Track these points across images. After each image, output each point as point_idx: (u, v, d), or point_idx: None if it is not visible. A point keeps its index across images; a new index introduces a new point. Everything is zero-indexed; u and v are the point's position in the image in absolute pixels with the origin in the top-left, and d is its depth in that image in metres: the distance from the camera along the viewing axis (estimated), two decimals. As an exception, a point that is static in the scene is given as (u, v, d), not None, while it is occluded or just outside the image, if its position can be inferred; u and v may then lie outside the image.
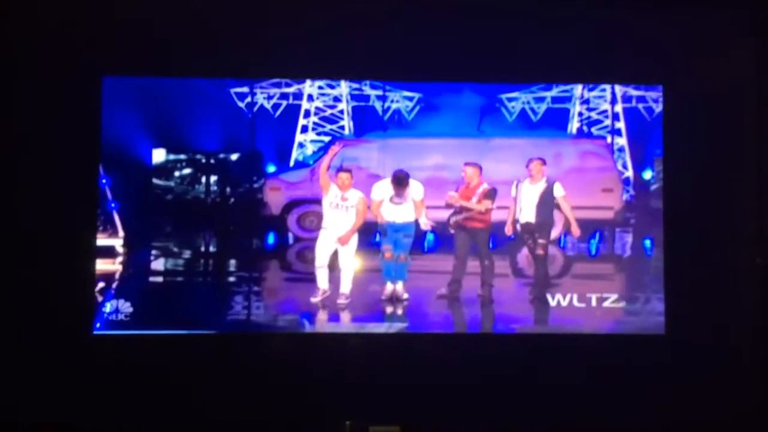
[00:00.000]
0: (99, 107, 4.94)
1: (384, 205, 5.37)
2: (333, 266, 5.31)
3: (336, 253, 5.33)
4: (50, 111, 4.81)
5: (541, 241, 5.31)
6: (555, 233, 5.46)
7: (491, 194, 5.33)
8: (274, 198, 5.49)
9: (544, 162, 5.34)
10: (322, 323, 5.18)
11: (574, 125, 5.60)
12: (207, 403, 4.74)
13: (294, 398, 4.79)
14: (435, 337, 5.12)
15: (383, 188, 5.37)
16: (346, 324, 5.21)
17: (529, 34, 5.01)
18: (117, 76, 5.00)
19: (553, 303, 5.21)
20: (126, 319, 4.96)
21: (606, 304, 5.18)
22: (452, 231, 5.40)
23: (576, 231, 5.31)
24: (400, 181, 5.27)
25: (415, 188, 5.34)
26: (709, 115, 5.03)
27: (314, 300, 5.26)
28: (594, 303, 5.19)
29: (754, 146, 5.02)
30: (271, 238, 5.50)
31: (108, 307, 4.96)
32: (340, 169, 5.30)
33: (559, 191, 5.32)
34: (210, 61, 5.00)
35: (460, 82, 5.31)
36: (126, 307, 4.97)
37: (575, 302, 5.19)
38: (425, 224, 5.37)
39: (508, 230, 5.42)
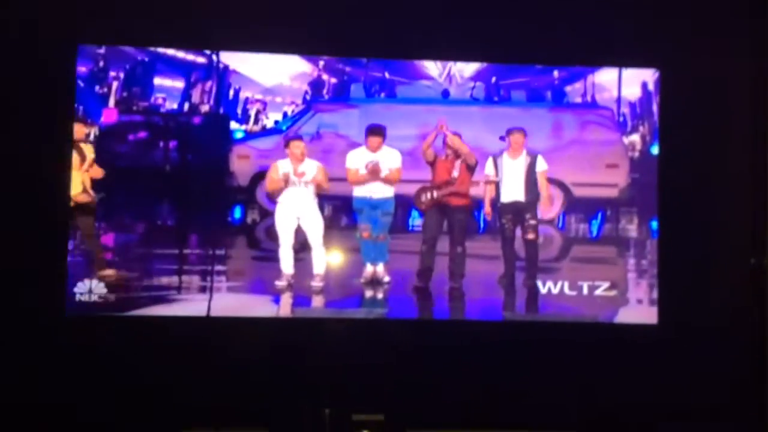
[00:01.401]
0: (74, 76, 4.70)
1: (360, 174, 4.98)
2: (304, 246, 4.93)
3: (300, 229, 4.94)
4: (23, 79, 4.62)
5: (532, 222, 4.96)
6: (553, 212, 5.06)
7: (472, 168, 4.98)
8: (242, 167, 4.98)
9: (525, 134, 4.99)
10: (289, 308, 4.83)
11: (575, 93, 5.14)
12: (175, 390, 4.56)
13: (270, 385, 4.64)
14: (419, 323, 4.91)
15: (359, 156, 5.00)
16: (319, 309, 4.84)
17: (522, 16, 4.89)
18: (91, 45, 4.76)
19: (543, 290, 4.93)
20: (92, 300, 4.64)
21: (599, 292, 4.91)
22: (422, 209, 5.00)
23: (546, 207, 4.99)
24: (376, 131, 4.94)
25: (391, 155, 4.97)
26: (706, 102, 4.94)
27: (279, 284, 4.88)
28: (586, 291, 4.92)
29: (750, 139, 4.96)
30: (237, 212, 5.01)
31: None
32: (297, 137, 4.90)
33: (541, 165, 4.98)
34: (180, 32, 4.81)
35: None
36: (99, 288, 4.67)
37: (566, 290, 4.92)
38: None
39: (488, 211, 5.02)
